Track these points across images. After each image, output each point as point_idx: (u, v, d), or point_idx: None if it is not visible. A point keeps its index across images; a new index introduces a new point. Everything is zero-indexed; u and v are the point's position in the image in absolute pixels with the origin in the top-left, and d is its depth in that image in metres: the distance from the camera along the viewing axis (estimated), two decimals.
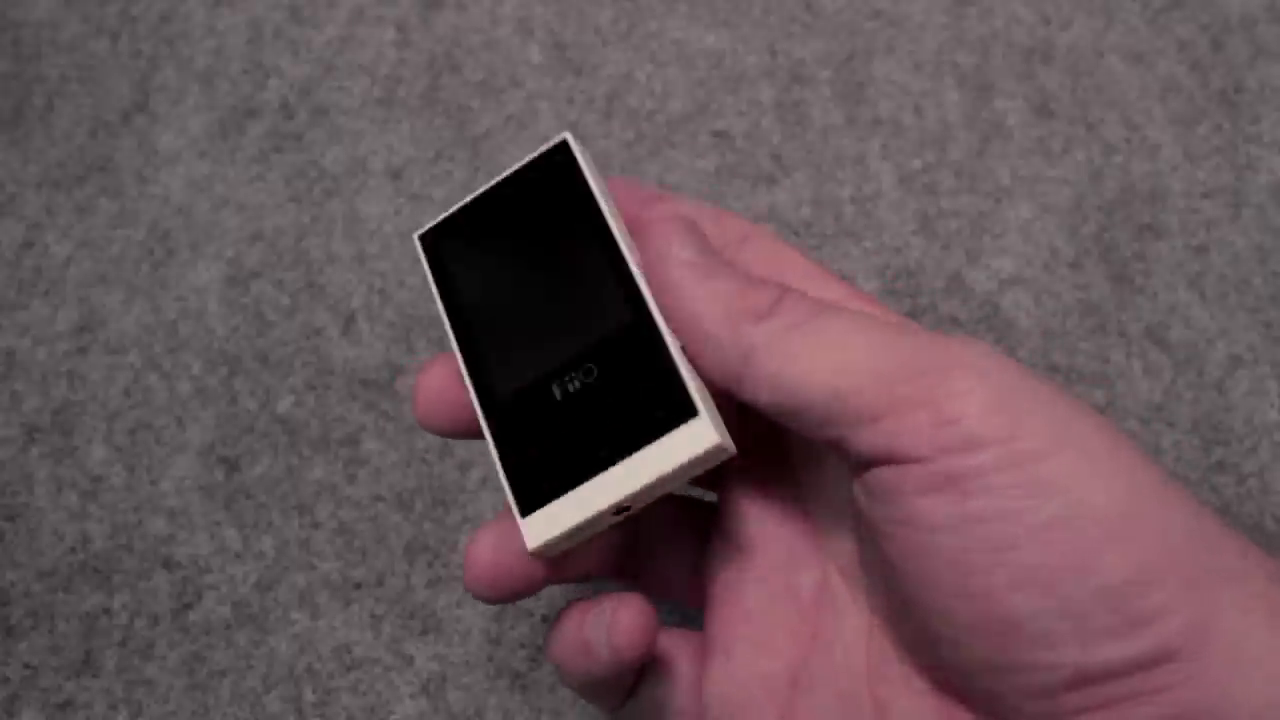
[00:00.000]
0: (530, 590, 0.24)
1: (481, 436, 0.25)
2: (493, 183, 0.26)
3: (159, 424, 0.39)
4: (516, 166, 0.26)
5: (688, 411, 0.22)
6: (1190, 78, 0.45)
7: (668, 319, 0.23)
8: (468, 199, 0.26)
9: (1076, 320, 0.40)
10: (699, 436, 0.21)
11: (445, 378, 0.25)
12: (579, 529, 0.22)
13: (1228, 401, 0.38)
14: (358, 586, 0.36)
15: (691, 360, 0.22)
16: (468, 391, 0.24)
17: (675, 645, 0.25)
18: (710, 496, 0.28)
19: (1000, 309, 0.40)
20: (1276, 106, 0.44)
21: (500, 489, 0.37)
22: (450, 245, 0.26)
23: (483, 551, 0.23)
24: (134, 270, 0.42)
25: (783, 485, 0.25)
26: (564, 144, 0.25)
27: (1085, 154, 0.43)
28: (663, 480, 0.22)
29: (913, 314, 0.40)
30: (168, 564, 0.37)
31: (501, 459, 0.23)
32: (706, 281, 0.22)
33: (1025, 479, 0.19)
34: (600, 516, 0.22)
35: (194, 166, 0.44)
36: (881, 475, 0.20)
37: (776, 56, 0.46)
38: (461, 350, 0.24)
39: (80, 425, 0.39)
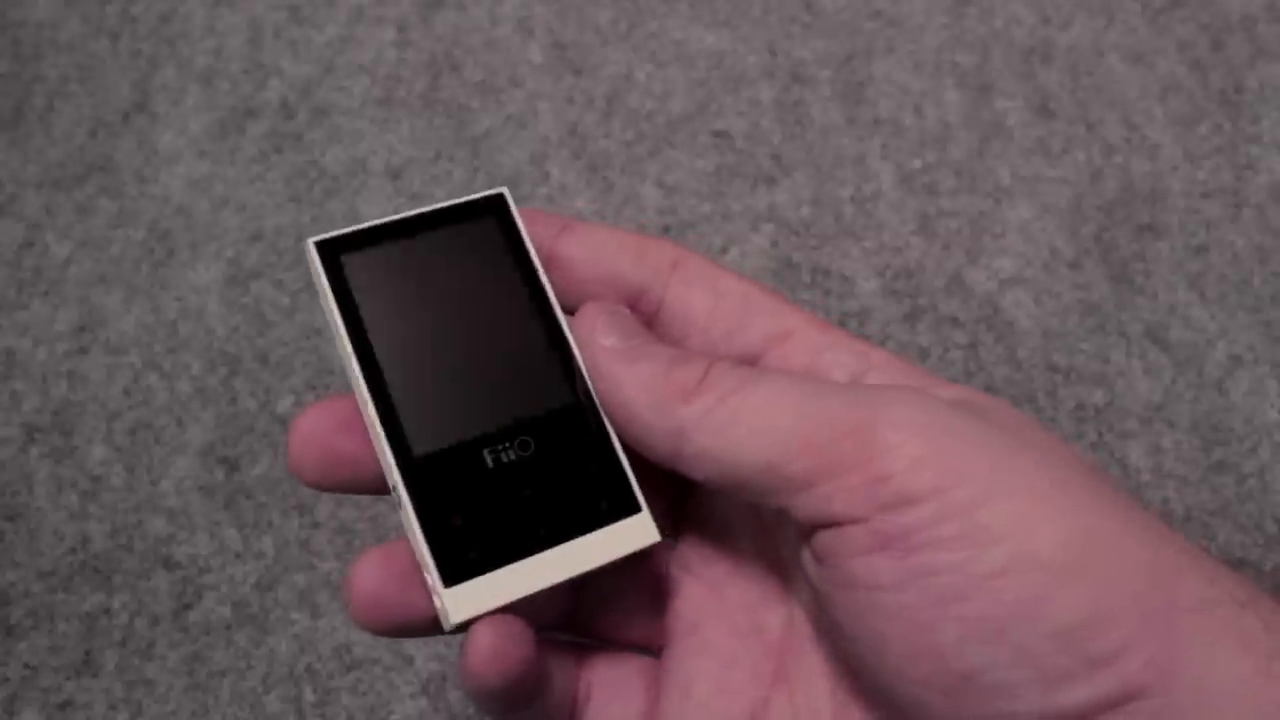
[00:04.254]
0: (423, 629, 0.22)
1: (371, 492, 0.23)
2: (412, 213, 0.24)
3: (159, 424, 0.39)
4: (443, 205, 0.24)
5: (631, 506, 0.22)
6: (1190, 78, 0.45)
7: (600, 402, 0.22)
8: (380, 221, 0.24)
9: (1076, 320, 0.40)
10: (641, 533, 0.22)
11: (327, 424, 0.23)
12: (508, 607, 0.21)
13: (1228, 401, 0.38)
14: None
15: (636, 446, 0.22)
16: (377, 441, 0.22)
17: (628, 674, 0.24)
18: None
19: (1000, 309, 0.40)
20: (1276, 106, 0.44)
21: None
22: (359, 267, 0.23)
23: (366, 581, 0.21)
24: (134, 270, 0.42)
25: (750, 522, 0.25)
26: (500, 197, 0.24)
27: (1085, 154, 0.43)
28: (600, 569, 0.22)
29: (912, 314, 0.40)
30: (168, 564, 0.37)
31: (422, 522, 0.21)
32: (632, 367, 0.22)
33: (965, 529, 0.18)
34: (532, 597, 0.21)
35: (194, 166, 0.44)
36: (823, 540, 0.20)
37: (776, 56, 0.46)
38: (372, 394, 0.22)
39: (80, 425, 0.39)
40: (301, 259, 0.42)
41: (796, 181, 0.43)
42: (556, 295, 0.24)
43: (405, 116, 0.45)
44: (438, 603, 0.21)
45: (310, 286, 0.41)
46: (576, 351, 0.23)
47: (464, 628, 0.21)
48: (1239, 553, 0.36)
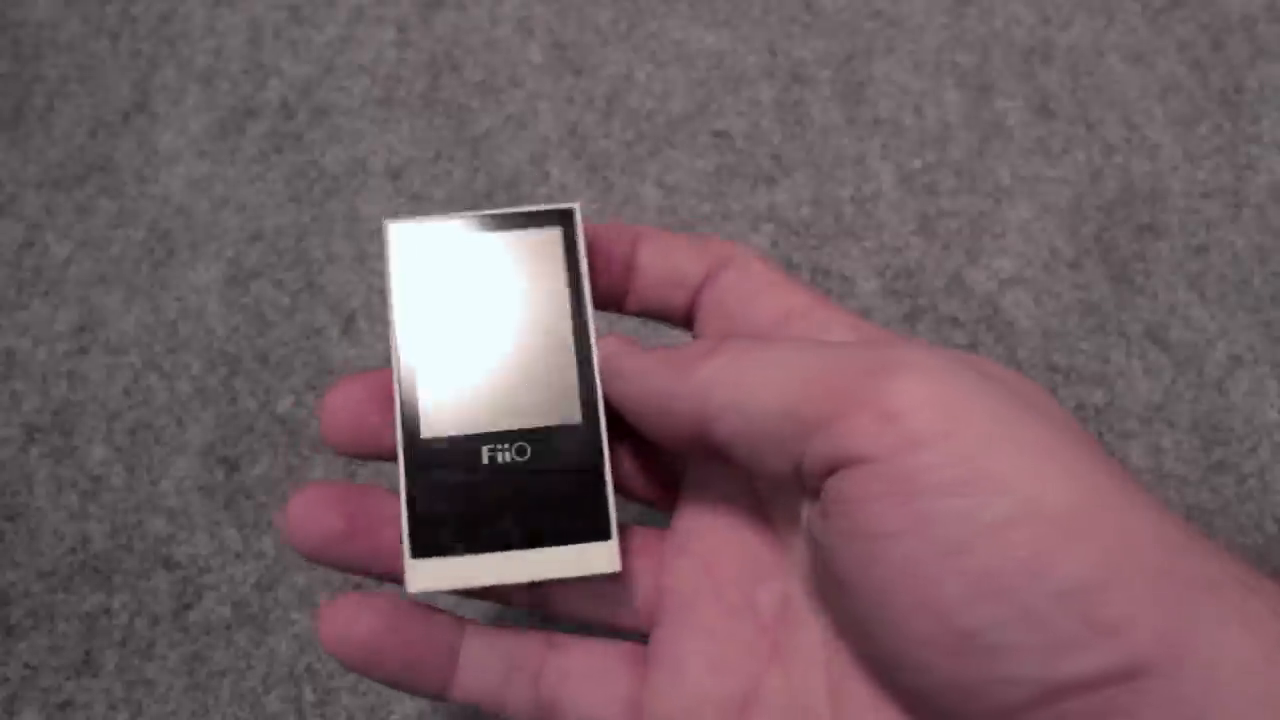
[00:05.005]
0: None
1: (392, 459, 0.25)
2: (484, 212, 0.26)
3: (159, 424, 0.39)
4: (515, 209, 0.25)
5: (602, 533, 0.23)
6: (1190, 78, 0.45)
7: (623, 408, 0.23)
8: (453, 215, 0.26)
9: (1076, 320, 0.40)
10: (604, 559, 0.23)
11: (359, 395, 0.25)
12: (461, 590, 0.23)
13: (1228, 401, 0.38)
14: (358, 586, 0.36)
15: (661, 430, 0.23)
16: (395, 414, 0.24)
17: (608, 659, 0.24)
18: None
19: (1000, 309, 0.40)
20: (1276, 106, 0.44)
21: None
22: (424, 255, 0.25)
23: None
24: (134, 270, 0.42)
25: (743, 497, 0.25)
26: (571, 211, 0.25)
27: (1085, 154, 0.43)
28: (555, 580, 0.23)
29: (912, 314, 0.40)
30: (168, 564, 0.37)
31: (408, 493, 0.23)
32: (649, 355, 0.23)
33: (972, 474, 0.18)
34: (484, 588, 0.23)
35: (194, 166, 0.44)
36: (834, 485, 0.20)
37: (776, 56, 0.46)
38: (402, 371, 0.24)
39: (80, 425, 0.39)
40: (302, 259, 0.42)
41: (796, 181, 0.43)
42: (635, 299, 0.26)
43: (405, 116, 0.45)
44: (405, 568, 0.23)
45: (311, 286, 0.41)
46: (597, 375, 0.24)
47: (419, 597, 0.23)
48: (1239, 553, 0.36)
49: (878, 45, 0.46)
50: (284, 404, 0.39)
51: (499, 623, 0.25)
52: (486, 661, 0.24)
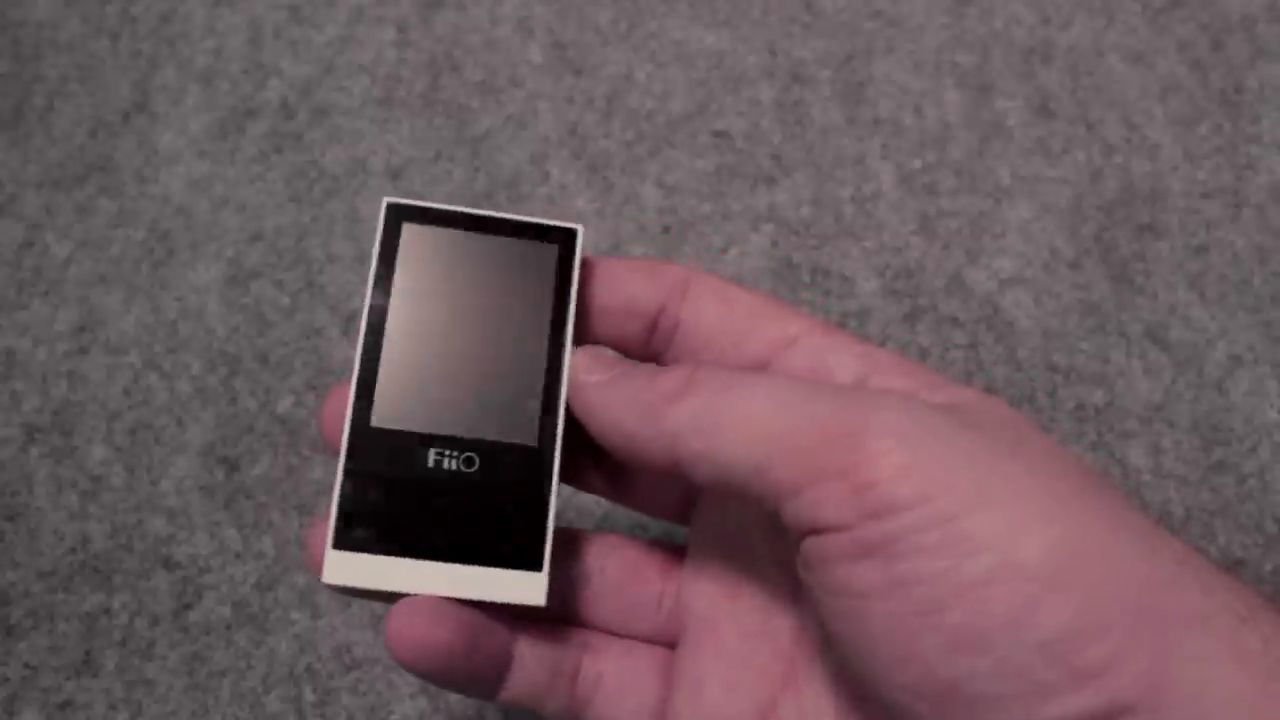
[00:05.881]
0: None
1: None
2: (486, 212, 0.25)
3: (159, 424, 0.39)
4: (518, 217, 0.25)
5: (534, 564, 0.22)
6: (1190, 78, 0.45)
7: (593, 434, 0.23)
8: (455, 208, 0.25)
9: (1076, 320, 0.40)
10: (531, 590, 0.22)
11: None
12: (374, 593, 0.22)
13: (1228, 401, 0.38)
14: None
15: (636, 465, 0.22)
16: (349, 388, 0.23)
17: (641, 665, 0.25)
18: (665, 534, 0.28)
19: (1000, 309, 0.40)
20: (1276, 106, 0.44)
21: None
22: (414, 240, 0.24)
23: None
24: (134, 270, 0.42)
25: (763, 522, 0.25)
26: (572, 232, 0.25)
27: (1085, 154, 0.43)
28: (474, 600, 0.22)
29: (912, 314, 0.40)
30: (168, 564, 0.37)
31: (343, 480, 0.22)
32: (617, 388, 0.22)
33: (949, 538, 0.18)
34: (399, 595, 0.22)
35: (194, 166, 0.44)
36: (811, 546, 0.20)
37: (776, 56, 0.46)
38: (364, 354, 0.23)
39: (80, 425, 0.39)
40: (302, 259, 0.42)
41: (796, 181, 0.43)
42: (585, 329, 0.25)
43: (405, 116, 0.45)
44: (324, 556, 0.22)
45: (311, 286, 0.41)
46: (563, 401, 0.23)
47: (335, 589, 0.22)
48: (1239, 553, 0.36)
49: (878, 45, 0.46)
50: (284, 404, 0.39)
51: (543, 624, 0.25)
52: (534, 667, 0.24)
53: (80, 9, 0.48)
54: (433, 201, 0.43)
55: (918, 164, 0.43)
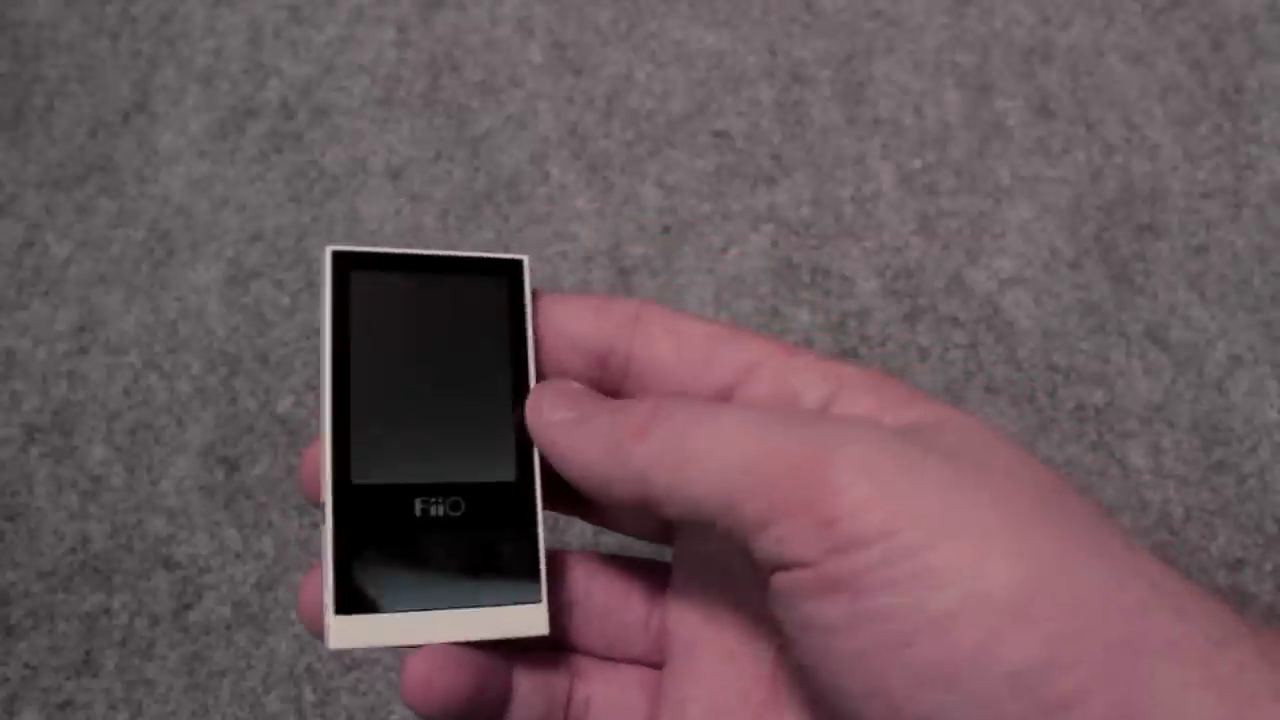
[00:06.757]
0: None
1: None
2: (431, 252, 0.24)
3: (159, 424, 0.39)
4: (462, 254, 0.24)
5: (532, 596, 0.23)
6: (1190, 78, 0.45)
7: (561, 474, 0.23)
8: (399, 250, 0.24)
9: (1076, 320, 0.40)
10: (533, 621, 0.23)
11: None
12: (387, 648, 0.23)
13: (1228, 401, 0.38)
14: None
15: (605, 502, 0.22)
16: (322, 455, 0.23)
17: (629, 687, 0.25)
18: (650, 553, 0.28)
19: (1000, 309, 0.40)
20: (1276, 106, 0.44)
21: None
22: (365, 288, 0.24)
23: (310, 593, 0.23)
24: (134, 270, 0.42)
25: (744, 549, 0.25)
26: (518, 263, 0.25)
27: (1085, 154, 0.43)
28: (484, 641, 0.22)
29: (912, 314, 0.40)
30: (168, 564, 0.37)
31: (335, 547, 0.22)
32: (583, 428, 0.22)
33: (914, 571, 0.18)
34: (411, 647, 0.22)
35: (194, 166, 0.44)
36: (779, 581, 0.20)
37: (776, 56, 0.46)
38: (334, 412, 0.23)
39: (80, 425, 0.39)
40: (302, 259, 0.42)
41: (796, 181, 0.43)
42: (537, 365, 0.24)
43: (405, 116, 0.45)
44: (326, 624, 0.22)
45: (311, 286, 0.41)
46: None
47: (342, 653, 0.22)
48: (1239, 553, 0.36)
49: (878, 45, 0.46)
50: (284, 404, 0.39)
51: (534, 653, 0.25)
52: (532, 697, 0.24)
53: (80, 9, 0.48)
54: (431, 207, 0.43)
55: (918, 164, 0.43)
